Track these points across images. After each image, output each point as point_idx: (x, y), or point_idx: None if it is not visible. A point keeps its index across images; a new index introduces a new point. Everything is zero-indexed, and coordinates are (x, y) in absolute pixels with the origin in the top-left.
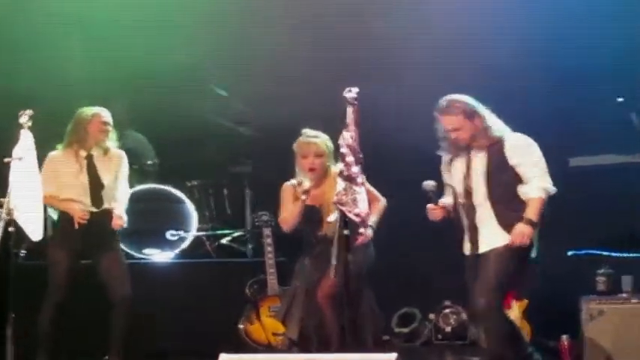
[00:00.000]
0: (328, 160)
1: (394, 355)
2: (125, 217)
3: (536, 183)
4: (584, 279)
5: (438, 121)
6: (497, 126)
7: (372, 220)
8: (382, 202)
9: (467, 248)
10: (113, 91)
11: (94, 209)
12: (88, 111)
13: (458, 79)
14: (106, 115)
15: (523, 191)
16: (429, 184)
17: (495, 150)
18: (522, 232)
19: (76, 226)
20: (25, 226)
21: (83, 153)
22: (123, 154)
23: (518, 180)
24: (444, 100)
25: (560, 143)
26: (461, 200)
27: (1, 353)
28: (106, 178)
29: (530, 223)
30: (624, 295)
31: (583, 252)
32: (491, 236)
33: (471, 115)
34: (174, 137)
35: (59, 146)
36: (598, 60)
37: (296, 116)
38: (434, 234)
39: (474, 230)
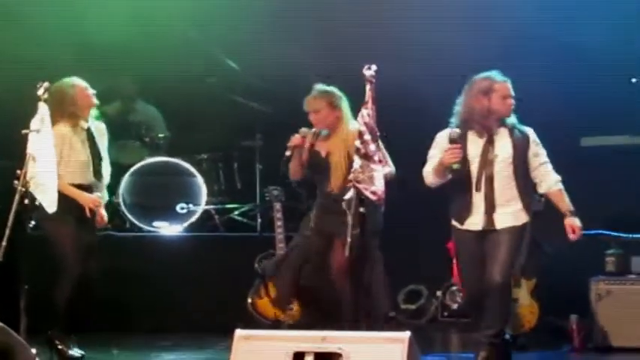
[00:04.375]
0: (333, 114)
1: (407, 333)
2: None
3: (555, 176)
4: (594, 259)
5: (490, 91)
6: None
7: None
8: (391, 169)
9: (475, 223)
10: (124, 63)
11: (96, 181)
12: (66, 82)
13: (471, 57)
14: (85, 83)
15: (545, 185)
16: (456, 131)
17: (518, 137)
18: (579, 225)
19: (88, 214)
20: (40, 197)
21: (84, 125)
22: (104, 125)
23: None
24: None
25: (572, 123)
26: (475, 175)
27: (14, 324)
28: (102, 150)
29: (574, 213)
30: (633, 275)
31: (593, 232)
32: (514, 214)
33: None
34: (184, 110)
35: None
36: (613, 40)
37: (308, 91)
38: (442, 211)
39: (491, 206)
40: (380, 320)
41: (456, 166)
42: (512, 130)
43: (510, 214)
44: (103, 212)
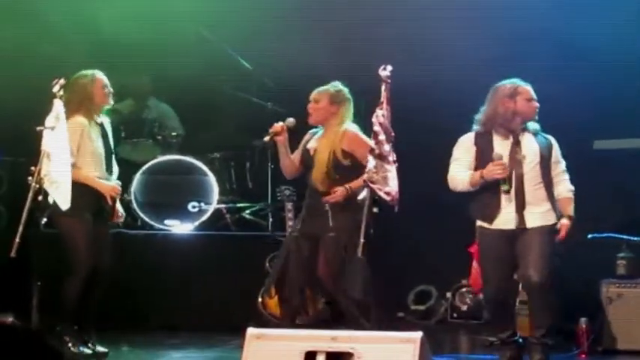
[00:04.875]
0: (328, 108)
1: (419, 333)
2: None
3: (570, 186)
4: (605, 262)
5: (515, 94)
6: None
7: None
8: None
9: (506, 222)
10: (138, 61)
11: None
12: (88, 75)
13: (482, 58)
14: (104, 77)
15: (557, 191)
16: (498, 154)
17: (542, 142)
18: (569, 227)
19: (110, 202)
20: (54, 194)
21: (98, 119)
22: (108, 119)
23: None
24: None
25: (584, 125)
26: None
27: (26, 320)
28: (112, 146)
29: (572, 219)
30: None
31: (604, 235)
32: (544, 214)
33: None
34: (197, 109)
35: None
36: (627, 41)
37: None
38: (452, 211)
39: (521, 205)
40: (352, 303)
41: (505, 187)
42: (535, 135)
43: (540, 213)
44: (120, 208)
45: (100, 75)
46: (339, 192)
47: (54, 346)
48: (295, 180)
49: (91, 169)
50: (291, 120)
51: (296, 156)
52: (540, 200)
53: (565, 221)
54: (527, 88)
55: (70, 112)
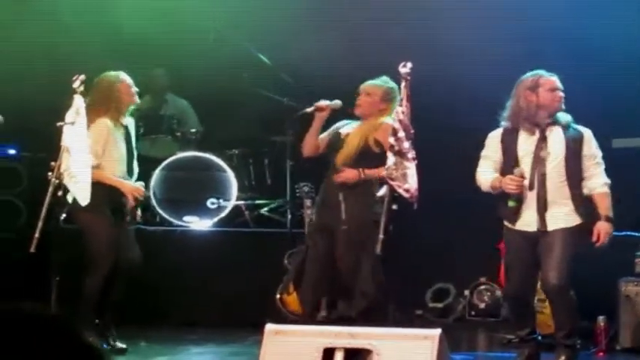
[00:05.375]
0: (379, 104)
1: (438, 330)
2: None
3: (603, 179)
4: (623, 261)
5: (537, 86)
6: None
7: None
8: None
9: (528, 224)
10: (156, 57)
11: (128, 178)
12: (114, 76)
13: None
14: (130, 80)
15: (590, 186)
16: (520, 169)
17: (572, 135)
18: (608, 231)
19: (132, 202)
20: (74, 190)
21: (123, 120)
22: (133, 120)
23: (581, 170)
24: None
25: (604, 123)
26: (526, 176)
27: None
28: (134, 147)
29: (610, 220)
30: None
31: (622, 233)
32: (566, 216)
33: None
34: (215, 105)
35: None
36: None
37: (340, 87)
38: (471, 209)
39: (543, 206)
40: (360, 300)
41: (512, 204)
42: (566, 128)
43: (563, 214)
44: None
45: (125, 75)
46: (350, 172)
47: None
48: (314, 176)
49: (113, 171)
50: (338, 102)
51: (323, 137)
52: (564, 199)
53: (602, 224)
54: (551, 78)
55: (96, 113)
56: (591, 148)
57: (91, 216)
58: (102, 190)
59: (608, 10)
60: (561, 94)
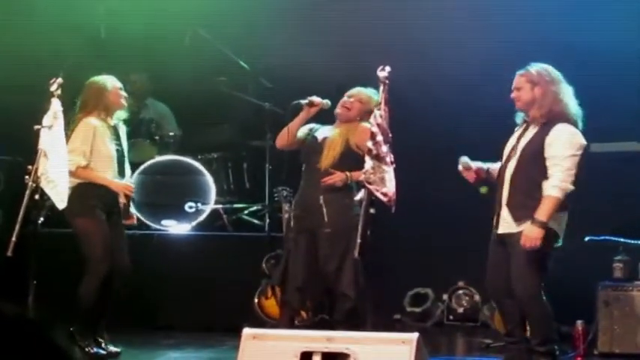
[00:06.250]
0: (366, 113)
1: (416, 334)
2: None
3: (555, 181)
4: (601, 265)
5: None
6: (559, 108)
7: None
8: None
9: (495, 225)
10: (135, 60)
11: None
12: (103, 79)
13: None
14: (119, 82)
15: (544, 187)
16: (464, 160)
17: (542, 133)
18: (530, 236)
19: (124, 200)
20: (51, 194)
21: (111, 122)
22: (125, 127)
23: (544, 173)
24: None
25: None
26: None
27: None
28: (125, 149)
29: (539, 224)
30: None
31: (601, 238)
32: (508, 219)
33: (534, 82)
34: (194, 109)
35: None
36: (624, 44)
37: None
38: (449, 213)
39: (499, 207)
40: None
41: (482, 190)
42: (545, 125)
43: (513, 217)
44: (133, 210)
45: (115, 79)
46: (339, 175)
47: (61, 344)
48: (292, 180)
49: (103, 171)
50: (328, 102)
51: (299, 135)
52: (518, 202)
53: (527, 228)
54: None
55: (83, 114)
56: (554, 147)
57: (85, 221)
58: (93, 192)
59: (590, 11)
60: (515, 94)
